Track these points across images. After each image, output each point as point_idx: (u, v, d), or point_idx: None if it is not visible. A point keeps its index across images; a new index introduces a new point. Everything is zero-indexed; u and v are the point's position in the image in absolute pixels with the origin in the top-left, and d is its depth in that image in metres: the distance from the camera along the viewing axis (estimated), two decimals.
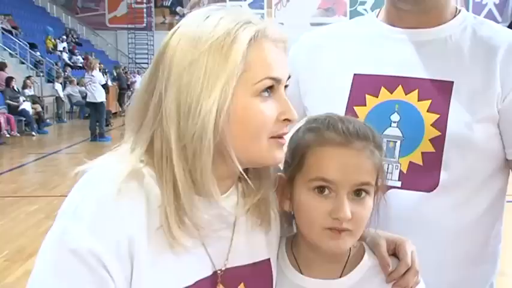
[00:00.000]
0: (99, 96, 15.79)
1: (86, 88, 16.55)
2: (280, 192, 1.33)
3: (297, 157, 1.30)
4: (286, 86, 1.22)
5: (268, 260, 1.32)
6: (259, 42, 1.18)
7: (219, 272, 1.23)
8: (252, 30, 1.16)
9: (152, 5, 37.20)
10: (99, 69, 17.14)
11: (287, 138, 1.29)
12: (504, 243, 1.67)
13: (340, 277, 1.31)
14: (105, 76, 20.10)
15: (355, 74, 1.63)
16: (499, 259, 1.65)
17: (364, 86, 1.61)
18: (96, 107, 15.88)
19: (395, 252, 1.33)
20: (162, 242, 1.14)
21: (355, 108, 1.57)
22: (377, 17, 1.74)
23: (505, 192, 1.64)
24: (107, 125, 17.26)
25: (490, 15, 36.27)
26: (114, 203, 1.11)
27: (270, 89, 1.17)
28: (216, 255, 1.23)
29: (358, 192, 1.26)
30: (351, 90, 1.62)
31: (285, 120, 1.18)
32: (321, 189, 1.25)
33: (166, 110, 1.15)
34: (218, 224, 1.23)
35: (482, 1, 37.26)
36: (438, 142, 1.52)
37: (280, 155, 1.21)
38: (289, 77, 1.23)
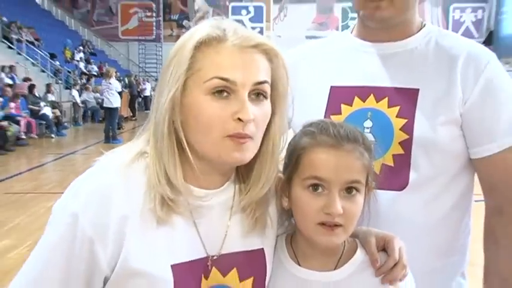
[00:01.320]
0: (115, 101, 15.72)
1: (102, 94, 16.44)
2: (279, 191, 1.33)
3: (294, 158, 1.30)
4: (260, 94, 1.19)
5: (262, 249, 1.31)
6: (215, 46, 1.17)
7: (214, 256, 1.24)
8: (204, 34, 1.17)
9: (161, 18, 37.12)
10: (115, 78, 17.15)
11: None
12: (475, 236, 1.68)
13: (335, 269, 1.32)
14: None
15: (331, 86, 1.62)
16: (469, 251, 1.66)
17: (339, 96, 1.61)
18: (111, 111, 15.82)
19: (384, 248, 1.33)
20: (153, 220, 1.16)
21: (331, 116, 1.56)
22: (351, 32, 1.73)
23: (471, 189, 1.64)
24: (119, 128, 17.20)
25: (467, 32, 36.36)
26: (110, 189, 1.16)
27: (226, 89, 1.15)
28: (210, 239, 1.24)
29: (349, 190, 1.26)
30: (328, 101, 1.61)
31: (238, 120, 1.14)
32: (314, 187, 1.26)
33: (152, 106, 1.22)
34: (213, 212, 1.25)
35: (460, 19, 37.38)
36: (406, 144, 1.52)
37: (238, 155, 1.17)
38: (263, 82, 1.19)
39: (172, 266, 1.17)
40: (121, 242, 1.14)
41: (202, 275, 1.22)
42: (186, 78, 1.16)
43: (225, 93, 1.15)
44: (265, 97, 1.20)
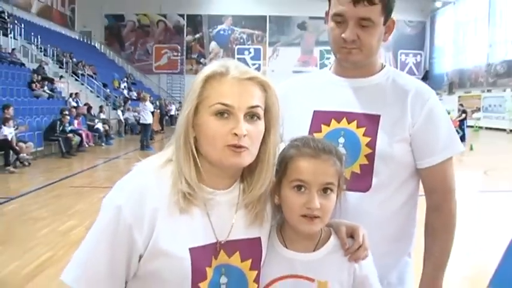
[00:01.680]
0: (149, 119, 15.68)
1: (139, 113, 16.38)
2: (272, 190, 1.30)
3: (283, 165, 1.28)
4: (254, 115, 1.17)
5: (259, 238, 1.28)
6: (219, 79, 1.16)
7: (222, 241, 1.21)
8: (210, 71, 1.17)
9: (184, 57, 37.08)
10: (150, 101, 17.22)
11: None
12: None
13: (313, 251, 1.30)
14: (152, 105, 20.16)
15: (314, 111, 1.59)
16: (415, 237, 1.63)
17: (320, 118, 1.57)
18: (145, 126, 15.75)
19: (352, 235, 1.31)
20: (177, 210, 1.15)
21: (314, 134, 1.52)
22: (329, 69, 1.68)
23: (417, 190, 1.61)
24: (151, 139, 17.11)
25: (410, 70, 36.83)
26: (145, 188, 1.15)
27: (226, 112, 1.14)
28: (219, 228, 1.21)
29: (325, 190, 1.24)
30: (311, 122, 1.58)
31: (234, 134, 1.13)
32: (298, 187, 1.24)
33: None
34: (223, 207, 1.23)
35: (405, 61, 37.82)
36: (370, 157, 1.50)
37: (235, 160, 1.15)
38: (256, 106, 1.17)
39: (190, 249, 1.15)
40: (153, 228, 1.13)
41: (213, 256, 1.20)
42: (197, 103, 1.16)
43: (226, 115, 1.14)
44: (259, 118, 1.18)
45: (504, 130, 26.29)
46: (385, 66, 1.64)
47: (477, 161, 13.07)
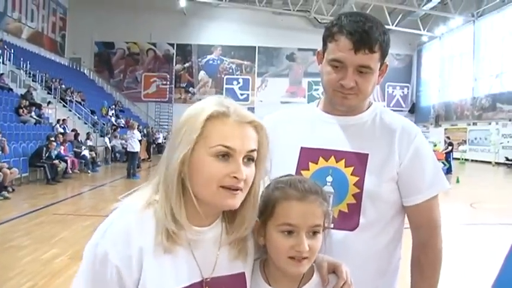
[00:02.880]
0: (136, 147, 15.61)
1: (127, 142, 16.37)
2: (256, 231, 1.29)
3: (269, 208, 1.26)
4: (250, 158, 1.17)
5: (243, 273, 1.27)
6: (221, 119, 1.15)
7: (207, 279, 1.19)
8: (212, 110, 1.15)
9: (173, 86, 37.25)
10: (137, 129, 17.23)
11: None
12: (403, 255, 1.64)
13: None
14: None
15: (301, 147, 1.57)
16: (399, 271, 1.62)
17: (308, 156, 1.56)
18: (132, 154, 15.67)
19: (334, 271, 1.31)
20: (161, 250, 1.14)
21: (301, 171, 1.52)
22: (317, 106, 1.67)
23: (402, 225, 1.60)
24: (138, 167, 17.02)
25: (397, 103, 37.36)
26: (129, 228, 1.13)
27: (227, 154, 1.13)
28: (204, 265, 1.20)
29: (313, 232, 1.24)
30: (298, 159, 1.56)
31: (234, 177, 1.13)
32: (288, 232, 1.23)
33: (163, 159, 1.19)
34: (206, 244, 1.21)
35: (392, 93, 38.26)
36: (358, 196, 1.49)
37: (230, 202, 1.15)
38: (254, 150, 1.17)
39: None
40: (140, 267, 1.12)
41: None
42: (196, 142, 1.14)
43: (226, 157, 1.14)
44: (253, 160, 1.19)
45: (490, 163, 26.57)
46: (372, 103, 1.64)
47: (463, 193, 13.14)
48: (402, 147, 1.53)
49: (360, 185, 1.50)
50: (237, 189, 1.15)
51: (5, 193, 10.75)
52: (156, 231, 1.14)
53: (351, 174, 1.51)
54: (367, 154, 1.53)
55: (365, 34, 1.44)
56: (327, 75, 1.51)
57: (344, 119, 1.59)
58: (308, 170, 1.54)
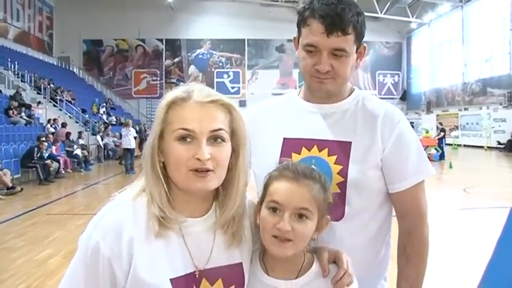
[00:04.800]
0: (133, 143, 15.97)
1: (122, 138, 16.44)
2: (255, 211, 1.30)
3: (265, 188, 1.29)
4: (218, 138, 1.17)
5: (241, 263, 1.26)
6: (181, 104, 1.17)
7: (201, 269, 1.19)
8: (172, 97, 1.19)
9: (163, 81, 37.07)
10: (132, 126, 17.33)
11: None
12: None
13: (296, 278, 1.28)
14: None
15: (284, 138, 1.56)
16: (390, 260, 1.61)
17: (290, 146, 1.54)
18: (130, 151, 15.99)
19: (335, 261, 1.30)
20: (152, 236, 1.15)
21: None
22: (298, 95, 1.66)
23: (391, 214, 1.59)
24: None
25: (388, 91, 37.44)
26: (121, 219, 1.15)
27: (188, 136, 1.14)
28: (198, 255, 1.19)
29: (300, 215, 1.22)
30: (281, 149, 1.55)
31: (197, 159, 1.13)
32: (273, 209, 1.23)
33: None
34: (200, 234, 1.22)
35: (383, 81, 38.31)
36: (342, 185, 1.47)
37: (200, 185, 1.15)
38: (218, 129, 1.17)
39: (172, 280, 1.15)
40: (131, 258, 1.12)
41: (194, 286, 1.19)
42: (162, 129, 1.18)
43: (188, 139, 1.15)
44: (223, 140, 1.18)
45: (482, 147, 26.72)
46: (354, 89, 1.63)
47: (456, 178, 13.22)
48: (385, 133, 1.52)
49: (343, 173, 1.48)
50: (206, 171, 1.15)
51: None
52: (148, 219, 1.16)
53: (334, 163, 1.49)
54: (350, 142, 1.51)
55: (337, 17, 1.41)
56: (302, 60, 1.50)
57: (325, 107, 1.57)
58: (291, 160, 1.52)
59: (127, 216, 1.16)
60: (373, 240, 1.54)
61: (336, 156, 1.50)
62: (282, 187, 1.25)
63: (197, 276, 1.19)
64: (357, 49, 1.50)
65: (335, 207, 1.45)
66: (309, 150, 1.53)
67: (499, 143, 25.65)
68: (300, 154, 1.53)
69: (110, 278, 1.12)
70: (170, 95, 1.20)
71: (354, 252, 1.45)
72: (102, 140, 22.31)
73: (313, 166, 1.44)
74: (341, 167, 1.49)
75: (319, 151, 1.52)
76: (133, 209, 1.17)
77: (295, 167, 1.28)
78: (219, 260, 1.22)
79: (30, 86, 23.06)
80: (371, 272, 1.54)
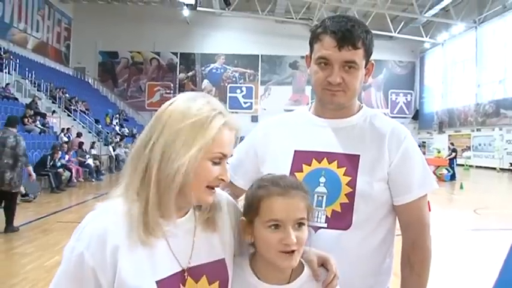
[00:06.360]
0: None
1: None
2: (243, 229, 1.32)
3: (254, 206, 1.30)
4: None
5: (223, 259, 1.30)
6: (222, 128, 1.22)
7: (186, 268, 1.22)
8: (222, 120, 1.22)
9: (177, 94, 37.04)
10: None
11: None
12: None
13: (288, 283, 1.31)
14: None
15: (295, 150, 1.61)
16: (392, 270, 1.65)
17: (301, 158, 1.60)
18: None
19: (323, 264, 1.34)
20: (138, 243, 1.16)
21: (295, 173, 1.56)
22: (309, 110, 1.72)
23: (394, 226, 1.63)
24: None
25: (401, 110, 37.27)
26: (104, 228, 1.15)
27: (220, 159, 1.22)
28: (181, 255, 1.22)
29: (298, 224, 1.26)
30: (292, 161, 1.60)
31: (221, 180, 1.23)
32: (274, 226, 1.26)
33: (154, 152, 1.19)
34: (181, 234, 1.24)
35: (396, 100, 38.12)
36: (351, 196, 1.53)
37: (210, 199, 1.25)
38: (231, 155, 1.28)
39: (157, 282, 1.17)
40: (115, 266, 1.14)
41: (180, 284, 1.21)
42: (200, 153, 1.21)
43: (218, 160, 1.22)
44: None
45: (494, 169, 26.49)
46: (362, 106, 1.69)
47: (467, 199, 13.11)
48: (392, 148, 1.57)
49: (352, 184, 1.53)
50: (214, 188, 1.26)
51: None
52: (131, 227, 1.17)
53: (344, 175, 1.55)
54: (358, 155, 1.57)
55: (348, 32, 1.51)
56: (314, 74, 1.57)
57: (335, 121, 1.64)
58: (302, 171, 1.58)
59: (110, 225, 1.16)
60: (377, 250, 1.57)
61: (345, 168, 1.56)
62: (277, 204, 1.28)
63: (183, 274, 1.22)
64: (365, 65, 1.57)
65: (343, 216, 1.52)
66: (319, 162, 1.58)
67: (511, 164, 25.42)
68: (310, 166, 1.59)
69: (95, 286, 1.14)
70: (213, 114, 1.23)
71: (359, 261, 1.52)
72: (114, 150, 22.46)
73: (322, 177, 1.55)
74: (350, 178, 1.54)
75: (329, 163, 1.57)
76: (115, 217, 1.18)
77: (283, 182, 1.32)
78: (201, 257, 1.26)
79: (46, 95, 23.35)
80: (375, 281, 1.58)
